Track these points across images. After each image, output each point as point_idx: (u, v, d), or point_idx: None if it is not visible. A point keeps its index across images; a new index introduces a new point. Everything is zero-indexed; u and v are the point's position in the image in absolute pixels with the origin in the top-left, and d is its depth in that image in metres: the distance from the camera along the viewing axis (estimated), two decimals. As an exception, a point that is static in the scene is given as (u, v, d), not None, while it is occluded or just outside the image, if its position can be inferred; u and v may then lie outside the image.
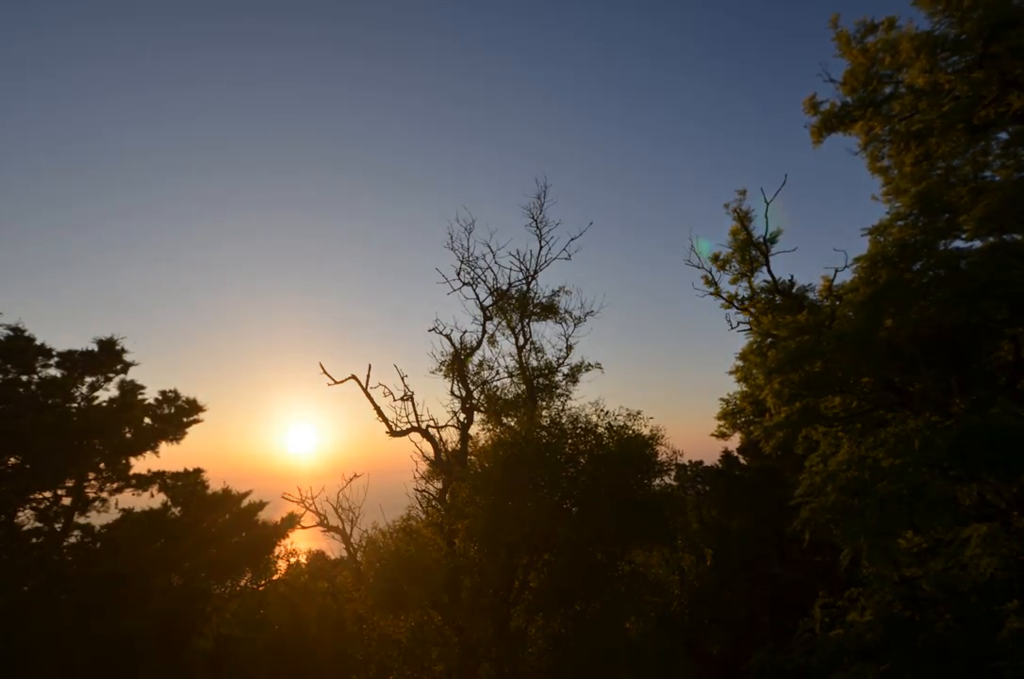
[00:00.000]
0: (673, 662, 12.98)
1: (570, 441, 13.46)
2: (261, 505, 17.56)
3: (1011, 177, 12.36)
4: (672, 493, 14.25)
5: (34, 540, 13.74)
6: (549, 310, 17.72)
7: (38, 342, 14.71)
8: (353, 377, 16.65)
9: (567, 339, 17.77)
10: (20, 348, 14.27)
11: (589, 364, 17.65)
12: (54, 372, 14.83)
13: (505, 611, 12.97)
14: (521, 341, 17.58)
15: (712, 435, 22.10)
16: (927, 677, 10.74)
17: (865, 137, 14.72)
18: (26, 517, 13.89)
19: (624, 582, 13.22)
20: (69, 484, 14.39)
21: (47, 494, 14.12)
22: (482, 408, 16.92)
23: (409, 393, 16.75)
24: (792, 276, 18.17)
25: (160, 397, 16.36)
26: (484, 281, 17.50)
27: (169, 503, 15.65)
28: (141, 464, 15.59)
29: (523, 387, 17.19)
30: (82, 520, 14.49)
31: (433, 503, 15.87)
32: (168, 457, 15.95)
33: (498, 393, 17.16)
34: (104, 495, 14.90)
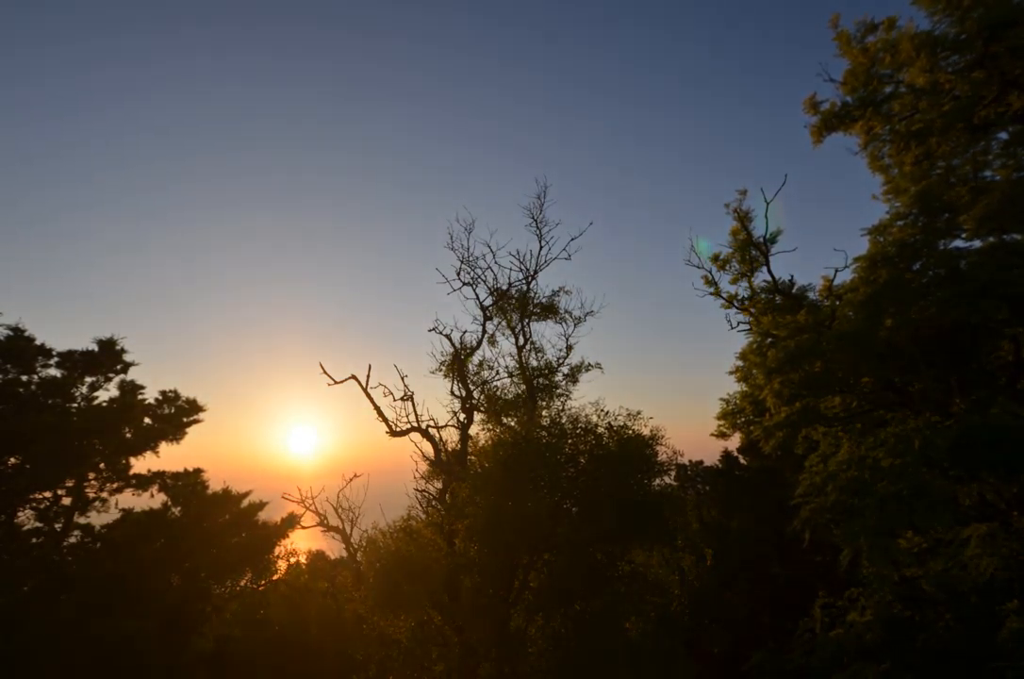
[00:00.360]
0: (673, 662, 12.97)
1: (570, 441, 13.45)
2: (261, 505, 17.57)
3: (1011, 177, 12.35)
4: (672, 493, 14.25)
5: (34, 540, 13.74)
6: (549, 310, 17.71)
7: (38, 342, 14.72)
8: (353, 377, 16.64)
9: (567, 339, 17.77)
10: (20, 348, 14.27)
11: (589, 364, 17.65)
12: (54, 372, 14.84)
13: (505, 611, 12.96)
14: (521, 341, 17.58)
15: (712, 435, 22.10)
16: (927, 677, 10.74)
17: (865, 137, 14.71)
18: (26, 517, 13.91)
19: (624, 582, 13.21)
20: (69, 484, 14.39)
21: (47, 494, 14.13)
22: (482, 408, 16.91)
23: (409, 393, 16.76)
24: (792, 276, 18.18)
25: (160, 397, 16.38)
26: (484, 281, 17.50)
27: (169, 503, 15.66)
28: (141, 464, 15.63)
29: (523, 387, 17.17)
30: (82, 520, 14.50)
31: (433, 503, 15.86)
32: (168, 457, 15.97)
33: (498, 393, 17.15)
34: (104, 495, 14.91)
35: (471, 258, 17.34)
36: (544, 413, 15.74)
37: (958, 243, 12.65)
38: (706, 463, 28.65)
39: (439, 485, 16.30)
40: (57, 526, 14.11)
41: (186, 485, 15.96)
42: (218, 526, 16.26)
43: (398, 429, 16.44)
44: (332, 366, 16.76)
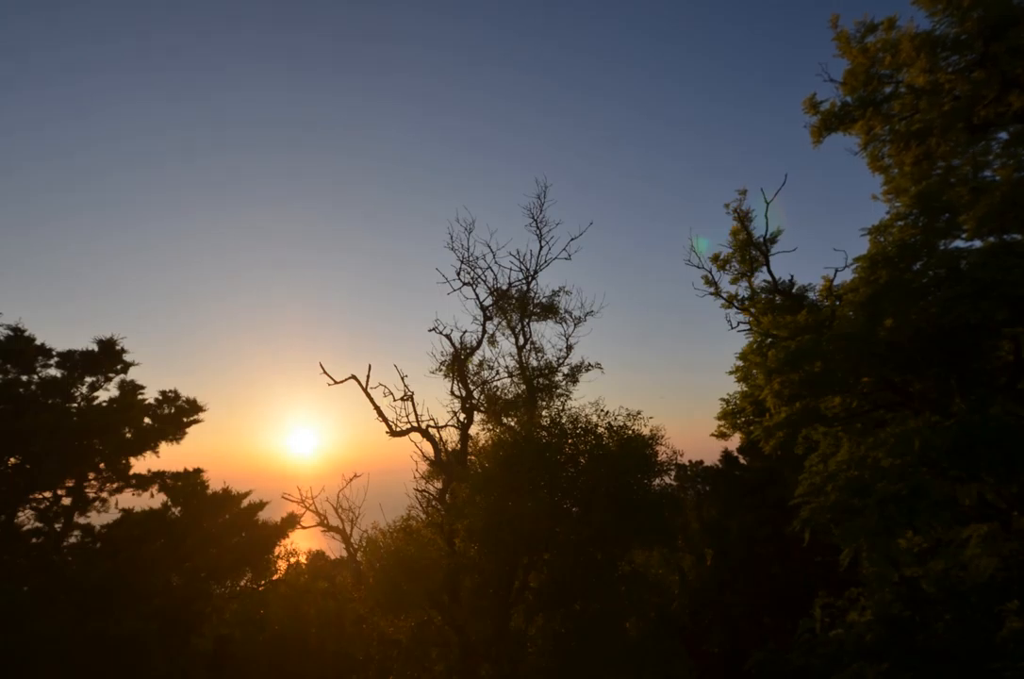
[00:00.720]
0: (673, 662, 12.98)
1: (570, 441, 13.46)
2: (261, 505, 17.57)
3: (1011, 177, 12.33)
4: (672, 493, 14.26)
5: (34, 540, 13.75)
6: (549, 310, 17.71)
7: (38, 342, 14.72)
8: (353, 377, 16.65)
9: (567, 339, 17.78)
10: (20, 348, 14.28)
11: (589, 364, 17.65)
12: (54, 372, 14.85)
13: (505, 611, 12.97)
14: (521, 341, 17.58)
15: (712, 435, 22.09)
16: (927, 677, 10.73)
17: (865, 137, 14.70)
18: (26, 517, 13.91)
19: (624, 582, 13.21)
20: (69, 484, 14.40)
21: (47, 494, 14.13)
22: (482, 408, 16.92)
23: (409, 393, 16.77)
24: (792, 276, 18.18)
25: (160, 397, 16.38)
26: (484, 281, 17.51)
27: (169, 503, 15.65)
28: (141, 464, 15.64)
29: (523, 387, 17.17)
30: (82, 520, 14.51)
31: (433, 503, 15.87)
32: (168, 457, 16.02)
33: (498, 393, 17.15)
34: (104, 495, 14.92)
35: (471, 258, 17.38)
36: (544, 413, 15.75)
37: (958, 243, 12.64)
38: (706, 463, 28.66)
39: (439, 485, 16.31)
40: (57, 526, 14.11)
41: (186, 485, 15.95)
42: (218, 526, 16.26)
43: (398, 429, 16.45)
44: (332, 366, 16.80)
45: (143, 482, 15.47)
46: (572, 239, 17.50)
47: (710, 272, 19.09)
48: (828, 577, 18.22)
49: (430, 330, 17.21)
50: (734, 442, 24.45)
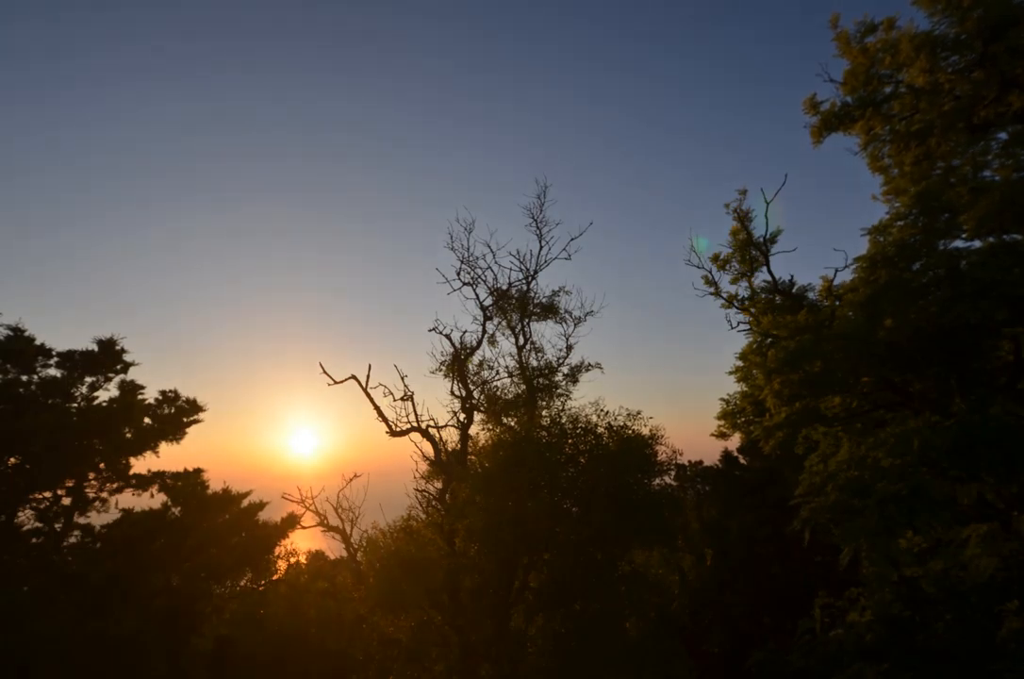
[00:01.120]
0: (673, 662, 12.99)
1: (570, 441, 13.46)
2: (261, 505, 17.56)
3: (1011, 177, 12.33)
4: (672, 493, 14.26)
5: (34, 540, 13.75)
6: (549, 310, 17.69)
7: (38, 342, 14.72)
8: (353, 377, 16.64)
9: (567, 339, 17.75)
10: (20, 348, 14.28)
11: (589, 364, 17.62)
12: (54, 372, 14.85)
13: (505, 611, 12.97)
14: (521, 341, 17.57)
15: (712, 435, 22.13)
16: (927, 677, 10.73)
17: (865, 137, 14.71)
18: (26, 517, 13.91)
19: (624, 582, 13.21)
20: (69, 484, 14.40)
21: (47, 494, 14.13)
22: (482, 408, 16.90)
23: (409, 393, 16.76)
24: (792, 276, 18.21)
25: (160, 397, 16.37)
26: (484, 281, 17.49)
27: (169, 503, 15.65)
28: (141, 464, 15.63)
29: (523, 387, 17.15)
30: (82, 520, 14.50)
31: (433, 503, 15.86)
32: (168, 457, 15.97)
33: (498, 393, 17.13)
34: (104, 495, 14.91)
35: (471, 258, 17.36)
36: (544, 413, 15.75)
37: (958, 243, 12.64)
38: (706, 463, 28.63)
39: (439, 485, 16.29)
40: (57, 526, 14.11)
41: (186, 485, 15.94)
42: (218, 526, 16.26)
43: (398, 429, 16.44)
44: (332, 366, 16.77)
45: (143, 482, 15.46)
46: (572, 239, 17.49)
47: (710, 272, 19.13)
48: (828, 577, 18.21)
49: (430, 330, 17.22)
50: (734, 442, 24.49)
